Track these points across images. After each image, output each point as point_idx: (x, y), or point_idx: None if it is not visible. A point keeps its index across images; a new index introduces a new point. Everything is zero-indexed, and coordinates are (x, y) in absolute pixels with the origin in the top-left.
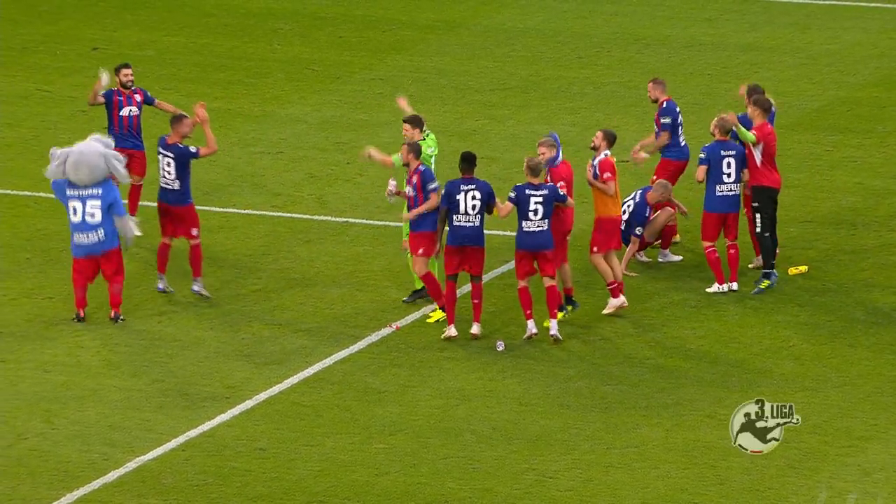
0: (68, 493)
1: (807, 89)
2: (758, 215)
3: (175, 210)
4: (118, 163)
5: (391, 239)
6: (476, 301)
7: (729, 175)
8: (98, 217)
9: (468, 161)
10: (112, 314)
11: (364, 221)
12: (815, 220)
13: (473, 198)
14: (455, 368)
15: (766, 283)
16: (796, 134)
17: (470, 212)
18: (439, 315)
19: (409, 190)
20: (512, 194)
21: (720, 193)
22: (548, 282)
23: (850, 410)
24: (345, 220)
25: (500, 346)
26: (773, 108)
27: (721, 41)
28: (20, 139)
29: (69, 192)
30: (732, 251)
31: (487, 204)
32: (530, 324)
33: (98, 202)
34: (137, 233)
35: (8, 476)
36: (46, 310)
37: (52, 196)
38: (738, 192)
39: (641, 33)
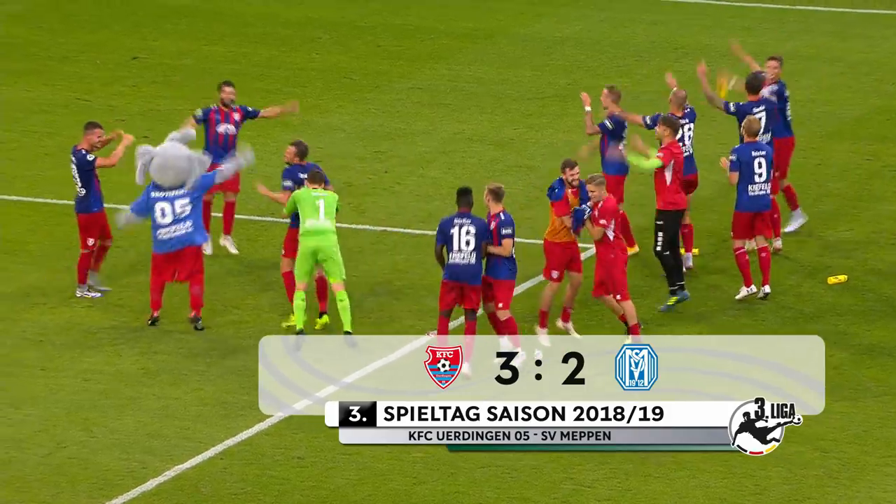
0: (107, 502)
1: (846, 98)
2: (660, 234)
3: (78, 217)
4: (200, 167)
5: (429, 248)
6: (468, 339)
7: (760, 175)
8: (188, 211)
9: (462, 195)
10: (192, 315)
11: (402, 230)
12: (854, 230)
13: (467, 233)
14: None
15: (673, 299)
16: (835, 143)
17: (464, 248)
18: (292, 321)
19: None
20: (508, 230)
21: (752, 193)
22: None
23: (889, 420)
24: (382, 228)
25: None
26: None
27: (759, 50)
28: (60, 148)
29: (154, 193)
30: (764, 254)
31: (482, 242)
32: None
33: (186, 199)
34: (233, 251)
35: (48, 484)
36: (85, 319)
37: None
38: (768, 192)
39: (680, 42)
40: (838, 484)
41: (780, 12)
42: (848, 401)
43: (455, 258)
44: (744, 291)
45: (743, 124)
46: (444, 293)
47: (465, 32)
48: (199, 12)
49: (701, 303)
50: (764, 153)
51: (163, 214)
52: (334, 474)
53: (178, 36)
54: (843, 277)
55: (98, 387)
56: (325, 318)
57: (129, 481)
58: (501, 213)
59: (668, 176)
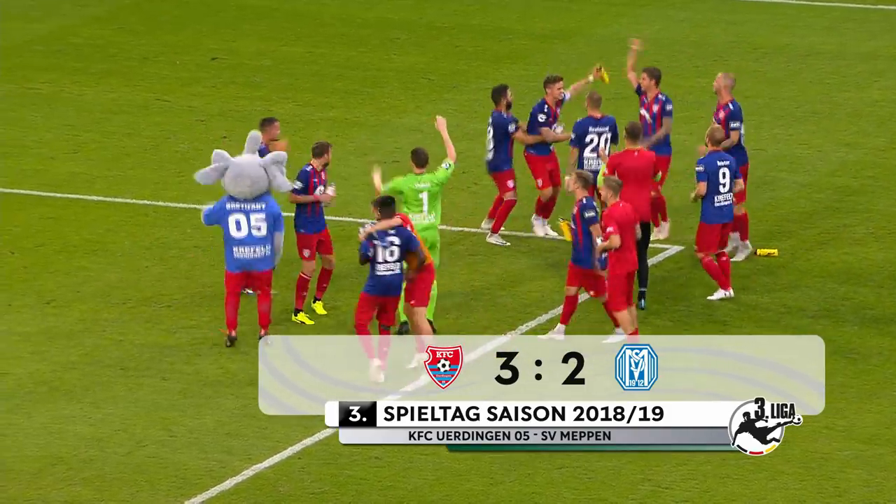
0: (186, 501)
1: None
2: None
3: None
4: (277, 169)
5: (506, 248)
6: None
7: (724, 185)
8: (264, 231)
9: (385, 205)
10: (262, 333)
11: (480, 230)
12: None
13: (391, 243)
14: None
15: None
16: None
17: (388, 259)
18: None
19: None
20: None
21: (718, 204)
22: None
23: None
24: (460, 229)
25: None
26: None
27: (840, 50)
28: (139, 148)
29: (230, 205)
30: (724, 258)
31: (407, 252)
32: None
33: (263, 215)
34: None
35: (127, 483)
36: (165, 318)
37: (171, 205)
38: (731, 202)
39: (759, 42)
40: None
41: (862, 12)
42: None
43: (380, 269)
44: (720, 293)
45: (707, 133)
46: (366, 305)
47: (543, 33)
48: (278, 13)
49: (714, 306)
50: (728, 163)
51: (237, 227)
52: (411, 474)
53: (257, 37)
54: None
55: (177, 386)
56: (317, 306)
57: (207, 480)
58: (584, 199)
59: None
